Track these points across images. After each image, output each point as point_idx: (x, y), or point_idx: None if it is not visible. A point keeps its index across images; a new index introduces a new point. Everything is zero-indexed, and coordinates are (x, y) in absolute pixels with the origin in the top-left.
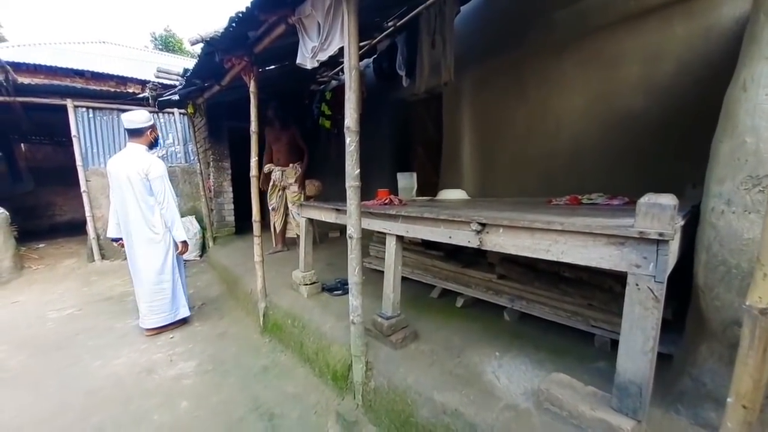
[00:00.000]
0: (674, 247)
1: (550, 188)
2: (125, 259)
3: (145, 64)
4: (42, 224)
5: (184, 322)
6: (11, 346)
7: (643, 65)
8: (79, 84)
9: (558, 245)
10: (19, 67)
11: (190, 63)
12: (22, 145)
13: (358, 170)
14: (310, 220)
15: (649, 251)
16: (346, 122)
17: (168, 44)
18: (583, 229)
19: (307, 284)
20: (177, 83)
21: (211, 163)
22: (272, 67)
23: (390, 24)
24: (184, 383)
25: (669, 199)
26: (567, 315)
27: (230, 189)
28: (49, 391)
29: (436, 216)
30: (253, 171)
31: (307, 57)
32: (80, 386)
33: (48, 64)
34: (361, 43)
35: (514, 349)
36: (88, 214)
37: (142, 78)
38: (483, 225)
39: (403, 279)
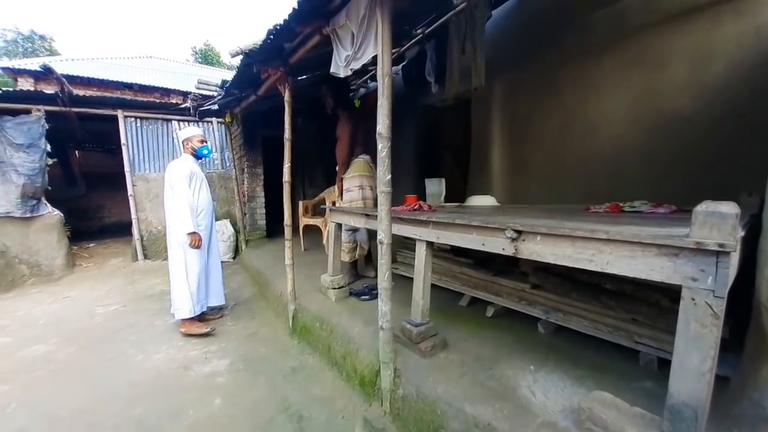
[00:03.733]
0: (735, 260)
1: (587, 195)
2: (165, 259)
3: (187, 77)
4: (92, 225)
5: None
6: (62, 339)
7: (690, 66)
8: (128, 96)
9: (603, 255)
10: (74, 80)
11: (228, 74)
12: (76, 152)
13: (390, 176)
14: (339, 225)
15: (708, 263)
16: (378, 128)
17: (207, 57)
18: (632, 238)
19: (335, 288)
20: (215, 94)
21: (246, 170)
22: (304, 77)
23: (419, 31)
24: (217, 381)
25: (730, 208)
26: (608, 330)
27: (262, 194)
28: (95, 382)
29: (468, 222)
30: (286, 177)
31: (341, 66)
32: (124, 378)
33: (100, 77)
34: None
35: (550, 363)
36: (133, 216)
37: (184, 89)
38: (519, 232)
39: (432, 286)
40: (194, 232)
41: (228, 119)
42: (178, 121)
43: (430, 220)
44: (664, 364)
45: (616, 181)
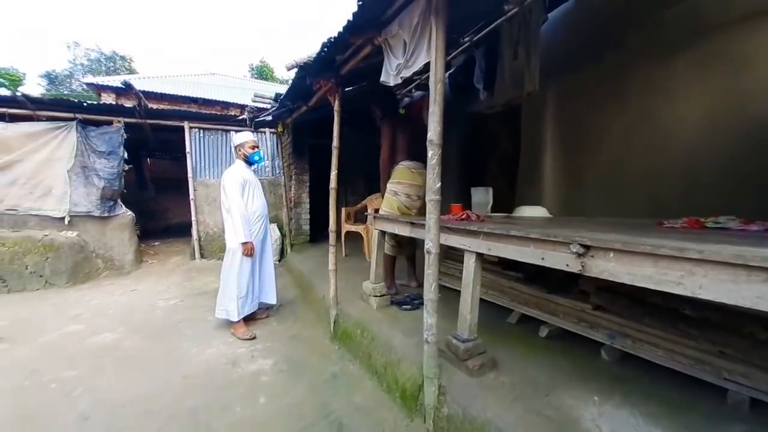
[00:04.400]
0: None
1: (656, 208)
2: (219, 259)
3: (244, 91)
4: (158, 225)
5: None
6: (128, 329)
7: None
8: (193, 108)
9: (694, 278)
10: (148, 95)
11: (280, 88)
12: (147, 159)
13: (439, 184)
14: (383, 233)
15: None
16: (429, 135)
17: (262, 73)
18: (734, 259)
19: (376, 296)
20: (269, 106)
21: (293, 177)
22: (351, 88)
23: (466, 39)
24: (262, 379)
25: None
26: (689, 362)
27: (307, 200)
28: (154, 372)
29: (526, 234)
30: (333, 183)
31: (392, 74)
32: (179, 370)
33: (170, 92)
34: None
35: (617, 395)
36: (194, 218)
37: (241, 103)
38: (587, 247)
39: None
40: (246, 242)
41: (280, 129)
42: (236, 131)
43: (481, 230)
44: (758, 405)
45: (687, 194)
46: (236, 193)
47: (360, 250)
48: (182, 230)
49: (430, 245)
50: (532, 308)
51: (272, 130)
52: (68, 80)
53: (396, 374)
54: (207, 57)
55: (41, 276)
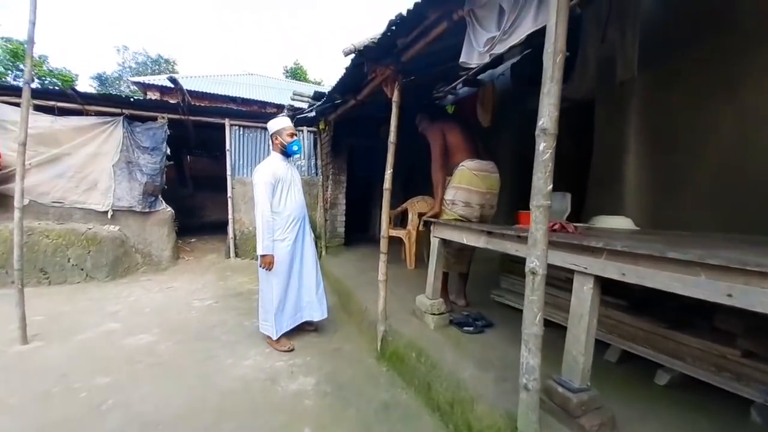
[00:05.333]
0: None
1: None
2: (253, 258)
3: (280, 91)
4: (195, 222)
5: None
6: (163, 330)
7: None
8: (233, 106)
9: None
10: (190, 94)
11: (312, 89)
12: (187, 157)
13: (551, 186)
14: (444, 241)
15: None
16: (540, 123)
17: (296, 74)
18: None
19: (434, 314)
20: (306, 106)
21: (330, 176)
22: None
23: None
24: (305, 404)
25: None
26: None
27: (344, 201)
28: (189, 384)
29: (698, 259)
30: (387, 184)
31: (478, 51)
32: (216, 385)
33: (211, 92)
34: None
35: None
36: (230, 216)
37: (278, 102)
38: None
39: (552, 325)
40: (265, 255)
41: (321, 126)
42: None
43: (604, 247)
44: None
45: None
46: (263, 194)
47: (400, 257)
48: (218, 228)
49: (536, 264)
50: (641, 345)
51: (310, 128)
52: (117, 82)
53: (469, 418)
54: (244, 57)
55: (82, 269)
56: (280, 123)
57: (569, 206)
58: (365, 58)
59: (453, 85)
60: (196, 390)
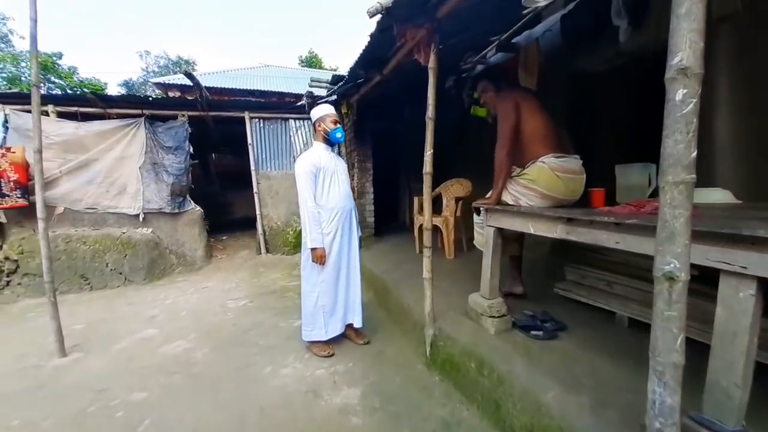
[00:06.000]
0: None
1: None
2: (284, 253)
3: (297, 81)
4: (225, 220)
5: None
6: (200, 335)
7: None
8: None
9: None
10: (209, 91)
11: (330, 74)
12: (212, 155)
13: (695, 153)
14: (500, 231)
15: None
16: (675, 61)
17: (311, 63)
18: None
19: (494, 317)
20: (325, 92)
21: (356, 164)
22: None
23: None
24: (353, 422)
25: None
26: None
27: (372, 190)
28: (227, 398)
29: None
30: (428, 167)
31: None
32: (254, 397)
33: (229, 87)
34: None
35: None
36: (257, 212)
37: (296, 92)
38: None
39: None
40: (315, 248)
41: (344, 110)
42: (294, 119)
43: None
44: None
45: None
46: (305, 185)
47: (435, 246)
48: (247, 224)
49: (674, 266)
50: None
51: None
52: (143, 87)
53: None
54: (259, 50)
55: (121, 273)
56: (323, 110)
57: (654, 180)
58: (394, 19)
59: (484, 52)
60: (234, 406)
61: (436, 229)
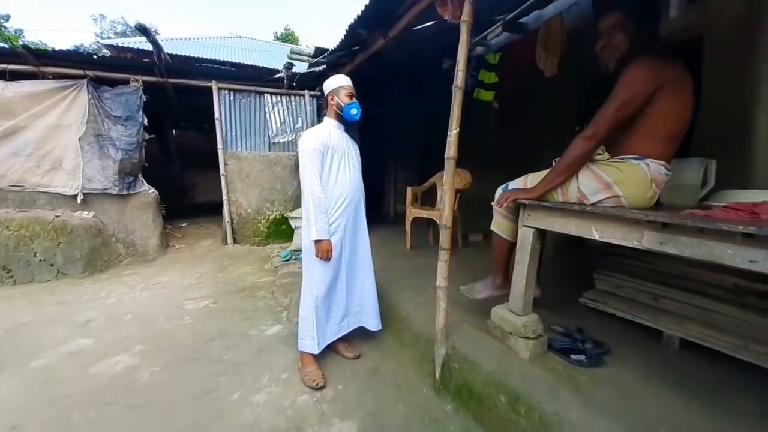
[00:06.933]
0: None
1: None
2: (254, 244)
3: (273, 55)
4: (186, 204)
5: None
6: (148, 347)
7: None
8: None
9: None
10: (172, 58)
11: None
12: (173, 130)
13: None
14: (540, 232)
15: None
16: None
17: (287, 40)
18: None
19: (529, 338)
20: (307, 67)
21: None
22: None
23: None
24: None
25: None
26: None
27: None
28: None
29: None
30: (451, 151)
31: None
32: None
33: (196, 56)
34: None
35: None
36: (224, 197)
37: (273, 67)
38: None
39: (702, 348)
40: (320, 240)
41: None
42: (272, 94)
43: None
44: None
45: None
46: (309, 165)
47: (428, 241)
48: (212, 210)
49: None
50: None
51: (312, 92)
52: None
53: None
54: (230, 23)
55: (52, 265)
56: (338, 81)
57: (713, 179)
58: None
59: (486, 33)
60: None
61: (428, 223)
